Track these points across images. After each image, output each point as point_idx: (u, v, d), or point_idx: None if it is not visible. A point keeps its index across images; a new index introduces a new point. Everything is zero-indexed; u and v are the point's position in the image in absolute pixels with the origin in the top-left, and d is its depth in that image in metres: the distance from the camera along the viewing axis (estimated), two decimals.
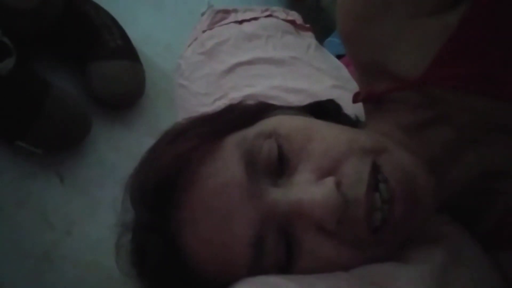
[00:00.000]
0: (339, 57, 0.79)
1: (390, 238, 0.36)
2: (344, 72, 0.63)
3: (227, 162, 0.36)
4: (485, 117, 0.39)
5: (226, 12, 0.71)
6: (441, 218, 0.43)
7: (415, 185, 0.35)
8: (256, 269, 0.35)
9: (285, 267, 0.36)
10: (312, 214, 0.34)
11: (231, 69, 0.64)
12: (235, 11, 0.71)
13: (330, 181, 0.34)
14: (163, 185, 0.37)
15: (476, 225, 0.44)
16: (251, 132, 0.38)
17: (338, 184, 0.34)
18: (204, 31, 0.70)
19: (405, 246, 0.38)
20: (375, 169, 0.35)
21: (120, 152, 0.79)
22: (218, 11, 0.71)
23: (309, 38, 0.70)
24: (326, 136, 0.38)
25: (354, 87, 0.58)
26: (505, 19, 0.35)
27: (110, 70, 0.77)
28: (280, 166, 0.36)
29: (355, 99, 0.48)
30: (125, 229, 0.43)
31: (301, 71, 0.62)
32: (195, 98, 0.65)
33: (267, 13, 0.70)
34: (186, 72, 0.69)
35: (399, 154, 0.37)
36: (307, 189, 0.34)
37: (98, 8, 0.81)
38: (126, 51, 0.80)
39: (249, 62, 0.64)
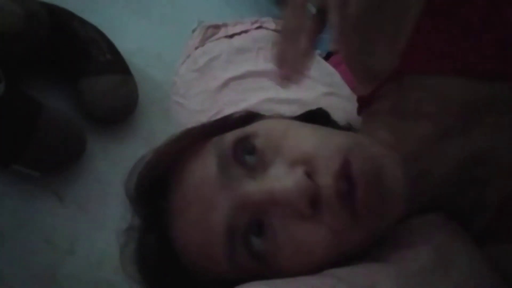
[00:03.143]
0: (330, 54, 0.79)
1: (366, 220, 0.37)
2: (337, 78, 0.63)
3: (204, 159, 0.40)
4: (459, 100, 0.40)
5: (217, 27, 0.72)
6: (435, 217, 0.44)
7: (381, 175, 0.36)
8: (234, 260, 0.38)
9: (263, 258, 0.38)
10: (283, 200, 0.36)
11: (225, 84, 0.65)
12: (225, 25, 0.72)
13: (299, 170, 0.36)
14: (157, 182, 0.42)
15: (473, 221, 0.45)
16: (230, 133, 0.41)
17: (309, 174, 0.36)
18: (196, 48, 0.70)
19: (393, 246, 0.40)
20: (346, 162, 0.36)
21: (117, 167, 0.79)
22: (209, 27, 0.72)
23: None
24: (301, 133, 0.40)
25: (346, 93, 0.58)
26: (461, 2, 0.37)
27: (102, 85, 0.76)
28: (256, 162, 0.39)
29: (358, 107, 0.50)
30: (128, 232, 0.46)
31: None
32: (191, 115, 0.66)
33: (257, 24, 0.70)
34: (181, 90, 0.70)
35: (370, 148, 0.39)
36: (278, 178, 0.37)
37: (85, 23, 0.80)
38: (116, 64, 0.79)
39: (242, 76, 0.64)
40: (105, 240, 0.71)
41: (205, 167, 0.39)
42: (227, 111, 0.60)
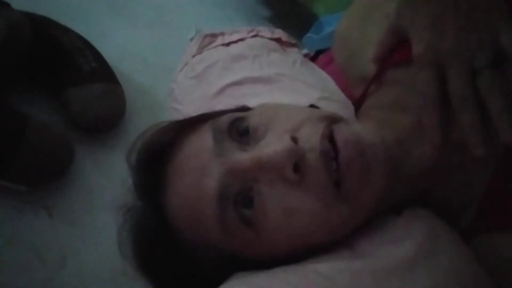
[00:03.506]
0: (319, 52, 0.79)
1: (352, 194, 0.39)
2: (331, 83, 0.64)
3: (201, 134, 0.43)
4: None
5: (214, 35, 0.73)
6: (419, 213, 0.45)
7: (362, 144, 0.39)
8: (225, 225, 0.39)
9: (252, 224, 0.39)
10: (269, 164, 0.38)
11: (221, 91, 0.65)
12: (222, 34, 0.72)
13: (286, 136, 0.39)
14: (158, 152, 0.45)
15: (459, 217, 0.47)
16: (227, 115, 0.44)
17: (295, 140, 0.39)
18: (193, 56, 0.71)
19: (377, 240, 0.42)
20: (330, 131, 0.39)
21: (107, 176, 0.77)
22: (206, 35, 0.73)
23: (294, 54, 0.71)
24: (291, 109, 0.44)
25: (341, 98, 0.59)
26: None
27: (88, 95, 0.75)
28: (249, 139, 0.42)
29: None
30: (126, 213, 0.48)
31: (288, 87, 0.63)
32: None
33: (253, 33, 0.71)
34: (178, 97, 0.70)
35: (353, 124, 0.42)
36: (266, 145, 0.39)
37: (68, 31, 0.79)
38: (102, 73, 0.78)
39: (237, 83, 0.65)
40: (96, 251, 0.69)
41: (201, 140, 0.43)
42: None
